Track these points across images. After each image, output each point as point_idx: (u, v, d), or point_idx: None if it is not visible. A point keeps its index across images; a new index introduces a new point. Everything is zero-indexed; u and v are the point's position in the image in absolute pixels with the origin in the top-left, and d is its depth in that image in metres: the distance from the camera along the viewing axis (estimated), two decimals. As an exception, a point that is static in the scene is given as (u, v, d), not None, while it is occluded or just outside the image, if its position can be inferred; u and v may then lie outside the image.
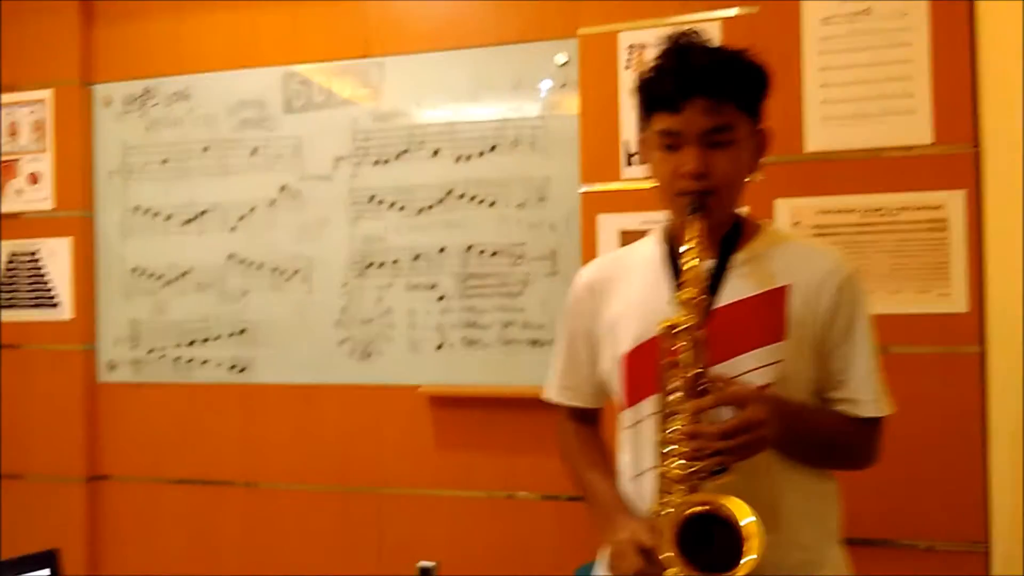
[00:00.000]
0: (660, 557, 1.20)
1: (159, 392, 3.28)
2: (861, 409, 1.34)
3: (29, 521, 3.32)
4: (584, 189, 2.68)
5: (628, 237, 2.45)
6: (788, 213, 2.43)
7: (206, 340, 3.22)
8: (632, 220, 2.56)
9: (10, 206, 3.38)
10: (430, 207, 2.97)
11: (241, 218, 3.17)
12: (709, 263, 1.33)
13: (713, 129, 1.28)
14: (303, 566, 3.10)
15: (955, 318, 2.33)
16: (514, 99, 2.88)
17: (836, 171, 2.42)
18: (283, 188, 3.13)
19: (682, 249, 1.27)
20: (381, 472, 3.03)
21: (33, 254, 3.35)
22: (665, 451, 1.24)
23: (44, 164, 3.34)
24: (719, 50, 1.34)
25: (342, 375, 3.07)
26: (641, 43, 2.59)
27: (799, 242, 1.42)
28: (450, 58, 2.94)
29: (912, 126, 2.37)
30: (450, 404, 2.94)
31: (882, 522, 2.37)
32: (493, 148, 2.91)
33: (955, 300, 2.33)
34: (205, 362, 3.22)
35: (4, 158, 3.39)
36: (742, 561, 1.13)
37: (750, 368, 1.29)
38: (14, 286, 3.38)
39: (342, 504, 3.06)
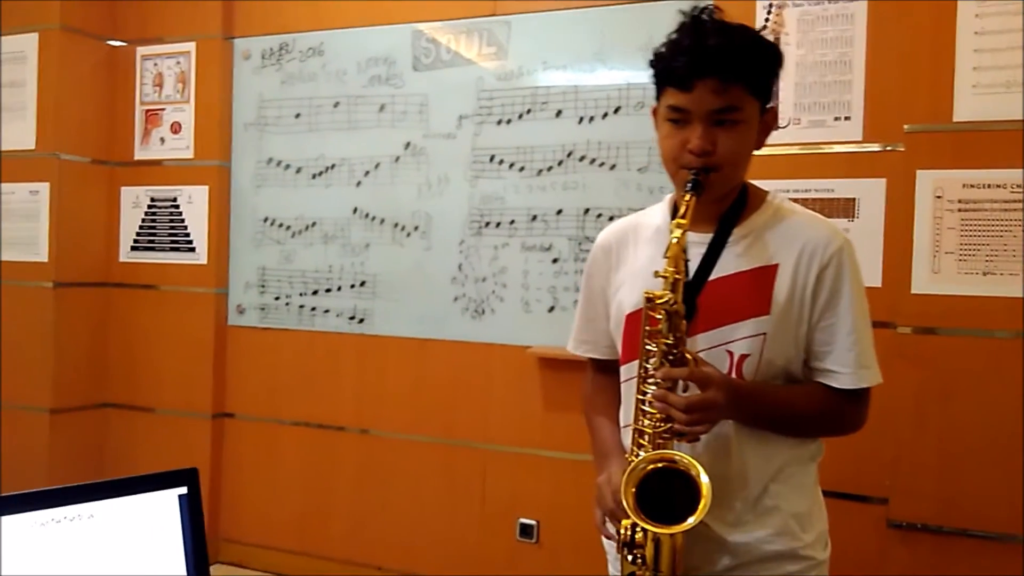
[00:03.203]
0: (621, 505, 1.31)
1: (283, 337, 3.43)
2: (838, 380, 1.39)
3: (157, 452, 3.55)
4: (710, 154, 2.61)
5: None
6: (930, 185, 2.31)
7: (328, 290, 3.34)
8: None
9: (153, 153, 3.59)
10: (549, 168, 2.97)
11: (367, 173, 3.26)
12: (703, 237, 1.40)
13: (721, 109, 1.32)
14: (409, 512, 3.20)
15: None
16: (641, 60, 2.81)
17: (985, 143, 2.27)
18: (408, 145, 3.19)
19: (671, 225, 1.31)
20: (488, 429, 3.08)
21: (173, 200, 3.55)
22: (642, 409, 1.35)
23: (186, 114, 3.52)
24: (733, 31, 1.35)
25: (455, 331, 3.13)
26: (780, 2, 2.49)
27: (795, 217, 1.44)
28: (577, 17, 2.92)
29: (1074, 97, 2.20)
30: (559, 367, 2.95)
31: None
32: (617, 110, 2.87)
33: (1110, 286, 2.17)
34: (327, 311, 3.34)
35: (149, 107, 3.59)
36: (692, 515, 1.24)
37: (735, 338, 1.37)
38: (153, 230, 3.59)
39: (449, 457, 3.14)
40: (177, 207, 3.54)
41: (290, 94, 3.39)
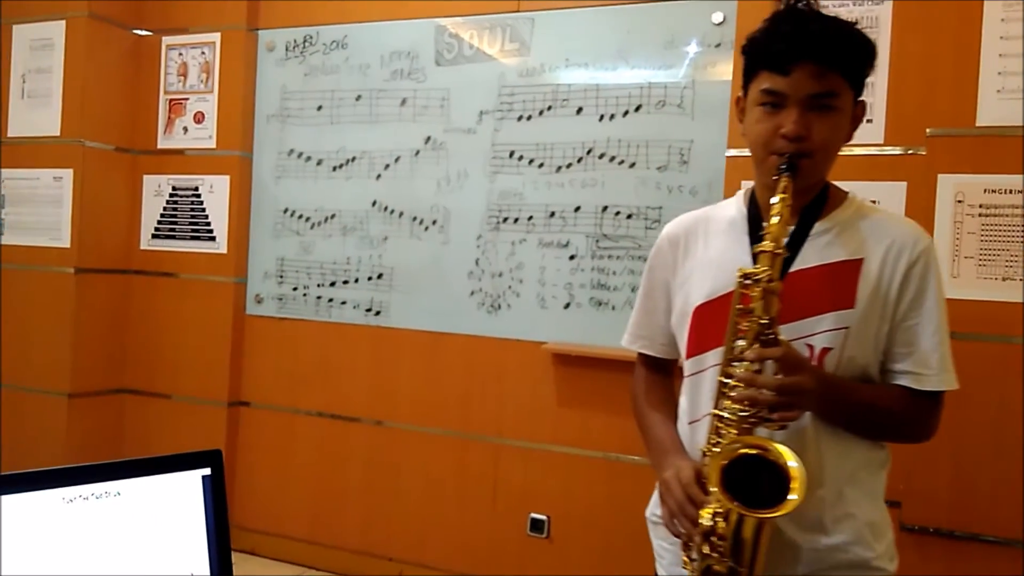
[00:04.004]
0: (705, 492, 1.27)
1: (299, 328, 3.45)
2: (922, 382, 1.36)
3: (172, 439, 3.58)
4: (731, 153, 2.61)
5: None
6: (951, 190, 2.30)
7: (346, 282, 3.36)
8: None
9: (176, 143, 3.62)
10: (569, 165, 2.98)
11: (387, 167, 3.28)
12: (790, 227, 1.37)
13: (818, 94, 1.31)
14: (420, 504, 3.23)
15: None
16: (664, 58, 2.84)
17: (1008, 148, 2.26)
18: (428, 139, 3.20)
19: (772, 201, 1.30)
20: (501, 423, 3.09)
21: (195, 189, 3.58)
22: (724, 392, 1.31)
23: (209, 104, 3.55)
24: (831, 19, 1.36)
25: (470, 326, 3.14)
26: (806, 3, 2.48)
27: (880, 215, 1.42)
28: (601, 15, 2.93)
29: (1100, 103, 2.18)
30: (573, 363, 2.96)
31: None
32: (638, 108, 2.88)
33: None
34: (344, 303, 3.37)
35: (173, 97, 3.62)
36: (787, 499, 1.19)
37: (817, 331, 1.34)
38: (174, 218, 3.62)
39: (461, 450, 3.16)
40: (198, 196, 3.57)
41: (313, 86, 3.41)
